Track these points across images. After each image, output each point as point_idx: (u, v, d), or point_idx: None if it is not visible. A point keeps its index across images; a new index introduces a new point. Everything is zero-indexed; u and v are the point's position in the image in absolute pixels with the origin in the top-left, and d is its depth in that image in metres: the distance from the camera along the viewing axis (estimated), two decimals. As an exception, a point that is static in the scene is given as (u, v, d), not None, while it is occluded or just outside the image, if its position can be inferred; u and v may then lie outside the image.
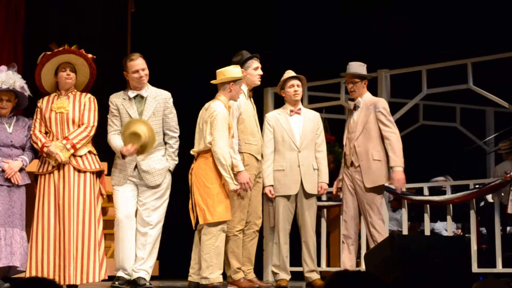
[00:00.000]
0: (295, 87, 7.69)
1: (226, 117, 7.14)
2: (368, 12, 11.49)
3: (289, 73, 7.75)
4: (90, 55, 7.14)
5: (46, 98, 7.14)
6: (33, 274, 6.76)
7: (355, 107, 7.51)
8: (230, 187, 7.06)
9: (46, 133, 7.02)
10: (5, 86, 7.00)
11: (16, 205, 6.95)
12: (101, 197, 7.07)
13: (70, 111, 6.99)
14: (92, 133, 7.02)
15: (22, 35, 10.46)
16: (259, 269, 8.90)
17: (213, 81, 7.33)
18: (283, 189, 7.63)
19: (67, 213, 6.81)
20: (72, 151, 6.88)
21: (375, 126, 7.40)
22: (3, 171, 6.92)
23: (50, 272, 6.77)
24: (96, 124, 7.06)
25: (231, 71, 7.27)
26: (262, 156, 7.68)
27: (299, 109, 7.75)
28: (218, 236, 7.10)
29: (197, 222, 7.18)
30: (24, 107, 7.30)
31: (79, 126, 6.98)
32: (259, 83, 7.70)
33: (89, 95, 7.14)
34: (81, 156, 6.97)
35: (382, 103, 7.44)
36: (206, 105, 7.27)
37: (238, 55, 7.67)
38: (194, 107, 7.46)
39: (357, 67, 7.52)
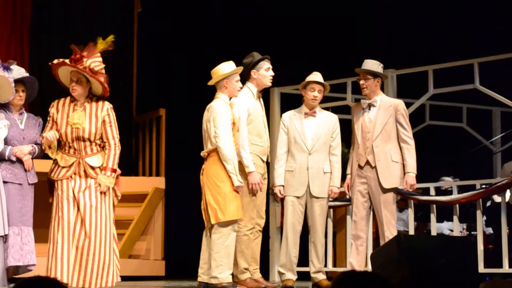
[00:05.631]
0: (315, 92, 7.63)
1: (227, 113, 7.16)
2: (375, 12, 11.48)
3: (315, 75, 7.67)
4: (79, 57, 6.79)
5: (60, 103, 6.96)
6: (52, 275, 6.68)
7: (370, 106, 7.51)
8: (234, 183, 7.07)
9: (58, 141, 6.94)
10: (19, 76, 6.92)
11: (27, 204, 6.92)
12: (115, 198, 7.00)
13: (86, 128, 6.82)
14: (120, 146, 6.92)
15: (28, 35, 10.46)
16: (265, 269, 8.90)
17: (209, 83, 7.35)
18: (290, 190, 7.62)
19: (81, 220, 6.76)
20: (114, 174, 6.82)
21: (394, 128, 7.47)
22: (12, 173, 6.91)
23: (69, 275, 6.67)
24: (118, 135, 6.95)
25: (223, 68, 7.28)
26: (268, 158, 7.69)
27: (314, 112, 7.71)
28: (228, 236, 7.09)
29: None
30: (34, 97, 7.17)
31: (93, 141, 6.85)
32: (270, 84, 7.72)
33: (106, 106, 6.91)
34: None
35: (403, 106, 7.55)
36: (208, 106, 7.30)
37: (249, 56, 7.67)
38: (204, 107, 7.43)
39: (372, 65, 7.54)
